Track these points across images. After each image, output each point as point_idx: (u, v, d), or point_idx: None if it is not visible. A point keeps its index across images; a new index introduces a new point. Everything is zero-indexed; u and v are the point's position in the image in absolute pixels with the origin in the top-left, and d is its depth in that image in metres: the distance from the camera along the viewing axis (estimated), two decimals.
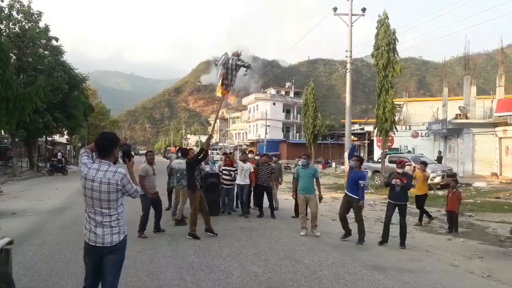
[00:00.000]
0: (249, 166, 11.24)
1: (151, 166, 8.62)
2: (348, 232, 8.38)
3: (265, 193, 11.27)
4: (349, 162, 9.03)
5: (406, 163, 9.81)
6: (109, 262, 3.37)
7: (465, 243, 8.61)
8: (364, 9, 20.98)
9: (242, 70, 9.39)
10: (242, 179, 11.08)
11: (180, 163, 9.85)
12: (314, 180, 8.83)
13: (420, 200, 10.85)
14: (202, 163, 9.62)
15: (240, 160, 11.68)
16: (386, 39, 20.70)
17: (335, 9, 20.92)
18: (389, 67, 20.99)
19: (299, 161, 9.40)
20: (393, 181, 8.08)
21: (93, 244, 3.34)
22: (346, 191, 8.53)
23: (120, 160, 4.67)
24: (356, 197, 8.13)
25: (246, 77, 10.36)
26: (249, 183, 11.14)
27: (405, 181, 8.04)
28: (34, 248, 7.03)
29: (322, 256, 6.90)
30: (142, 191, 8.09)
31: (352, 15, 20.84)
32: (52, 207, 12.12)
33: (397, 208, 8.09)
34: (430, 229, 10.20)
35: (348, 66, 21.09)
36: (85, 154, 3.51)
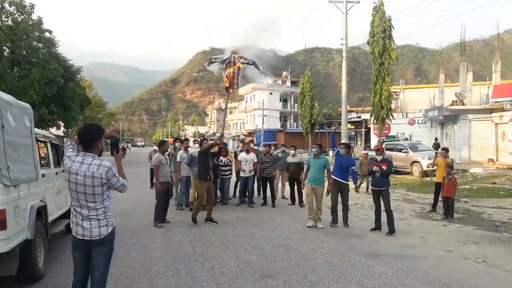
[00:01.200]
0: (252, 156, 11.24)
1: (164, 155, 8.85)
2: (336, 220, 8.54)
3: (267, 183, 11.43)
4: (334, 149, 9.04)
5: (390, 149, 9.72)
6: (98, 255, 3.32)
7: (460, 229, 8.63)
8: None
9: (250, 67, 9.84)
10: (246, 171, 11.05)
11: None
12: (326, 171, 8.68)
13: (439, 188, 10.46)
14: None
15: (243, 151, 11.66)
16: (381, 26, 20.62)
17: None
18: (385, 54, 20.93)
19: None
20: (374, 168, 8.19)
21: (81, 237, 3.29)
22: (334, 177, 8.54)
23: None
24: (346, 182, 8.52)
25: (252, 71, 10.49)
26: (253, 173, 11.18)
27: (385, 167, 8.10)
28: None
29: (317, 244, 6.91)
30: (161, 179, 8.42)
31: (347, 2, 20.68)
32: None
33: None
34: (425, 216, 10.23)
35: (344, 54, 20.98)
36: (70, 146, 3.45)
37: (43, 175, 5.69)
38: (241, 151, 12.33)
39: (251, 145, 12.77)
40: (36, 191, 5.33)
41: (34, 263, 4.80)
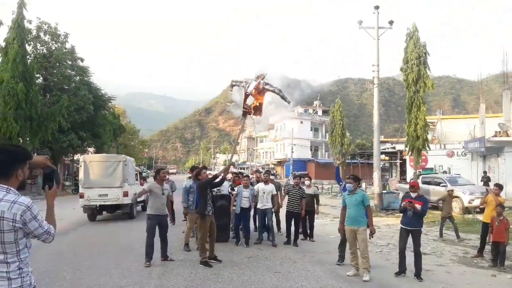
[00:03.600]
0: (271, 188, 10.09)
1: (161, 185, 7.84)
2: (342, 257, 7.90)
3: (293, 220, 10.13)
4: (340, 184, 7.93)
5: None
6: None
7: None
8: (391, 22, 19.79)
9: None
10: (263, 203, 9.88)
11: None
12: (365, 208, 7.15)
13: (487, 229, 8.82)
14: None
15: (261, 181, 10.62)
16: (416, 52, 19.53)
17: (360, 22, 19.86)
18: (420, 82, 19.74)
19: (347, 185, 7.81)
20: (405, 205, 7.12)
21: None
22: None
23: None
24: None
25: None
26: (271, 206, 10.02)
27: (419, 206, 6.97)
28: None
29: None
30: (151, 211, 7.62)
31: (379, 28, 19.76)
32: (57, 230, 11.49)
33: (410, 234, 7.11)
34: (469, 262, 8.77)
35: (376, 80, 19.91)
36: None
37: (135, 183, 15.99)
38: (257, 181, 11.35)
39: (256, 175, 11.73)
40: (134, 188, 15.15)
41: (133, 211, 14.99)
